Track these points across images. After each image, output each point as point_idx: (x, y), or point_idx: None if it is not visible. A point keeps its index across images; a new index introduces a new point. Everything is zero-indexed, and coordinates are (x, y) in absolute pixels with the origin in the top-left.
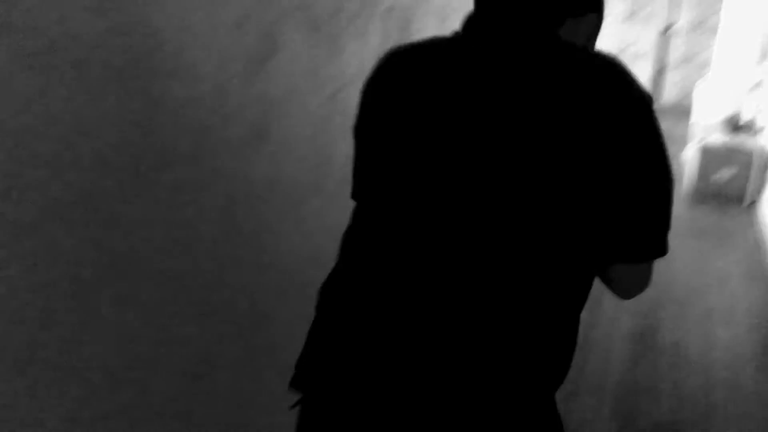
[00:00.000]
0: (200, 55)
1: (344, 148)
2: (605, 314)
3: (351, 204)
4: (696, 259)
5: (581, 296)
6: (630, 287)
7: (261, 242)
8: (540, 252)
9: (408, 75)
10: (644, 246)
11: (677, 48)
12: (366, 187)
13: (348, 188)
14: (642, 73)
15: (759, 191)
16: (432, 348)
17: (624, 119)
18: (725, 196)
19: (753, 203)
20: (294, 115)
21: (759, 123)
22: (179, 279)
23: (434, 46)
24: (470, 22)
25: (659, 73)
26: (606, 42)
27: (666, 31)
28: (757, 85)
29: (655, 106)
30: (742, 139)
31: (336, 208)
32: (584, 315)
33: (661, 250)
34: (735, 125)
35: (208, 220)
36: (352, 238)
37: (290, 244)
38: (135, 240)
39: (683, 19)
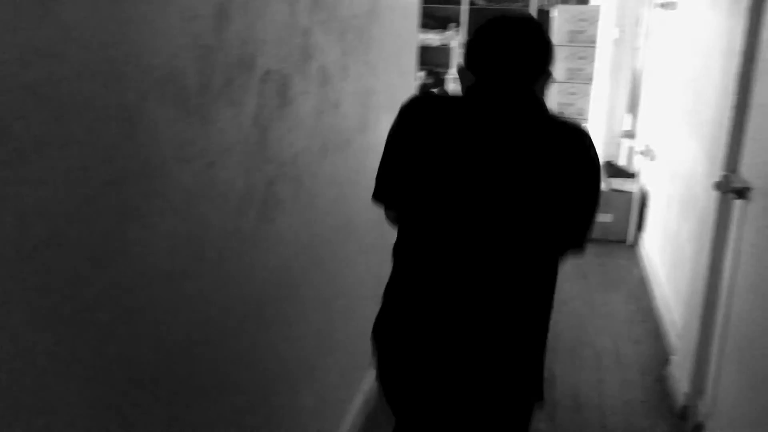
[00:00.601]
0: None
1: (219, 221)
2: None
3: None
4: (585, 302)
5: (552, 272)
6: (569, 259)
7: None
8: (525, 241)
9: (432, 117)
10: (582, 240)
11: (554, 97)
12: (388, 192)
13: (226, 265)
14: None
15: (639, 232)
16: (464, 302)
17: (580, 162)
18: (608, 237)
19: (634, 243)
20: (165, 192)
21: (634, 167)
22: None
23: (451, 99)
24: (477, 82)
25: None
26: None
27: None
28: (628, 132)
29: None
30: (621, 183)
31: (215, 288)
32: None
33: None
34: (613, 170)
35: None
36: (400, 246)
37: (169, 317)
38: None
39: (559, 70)
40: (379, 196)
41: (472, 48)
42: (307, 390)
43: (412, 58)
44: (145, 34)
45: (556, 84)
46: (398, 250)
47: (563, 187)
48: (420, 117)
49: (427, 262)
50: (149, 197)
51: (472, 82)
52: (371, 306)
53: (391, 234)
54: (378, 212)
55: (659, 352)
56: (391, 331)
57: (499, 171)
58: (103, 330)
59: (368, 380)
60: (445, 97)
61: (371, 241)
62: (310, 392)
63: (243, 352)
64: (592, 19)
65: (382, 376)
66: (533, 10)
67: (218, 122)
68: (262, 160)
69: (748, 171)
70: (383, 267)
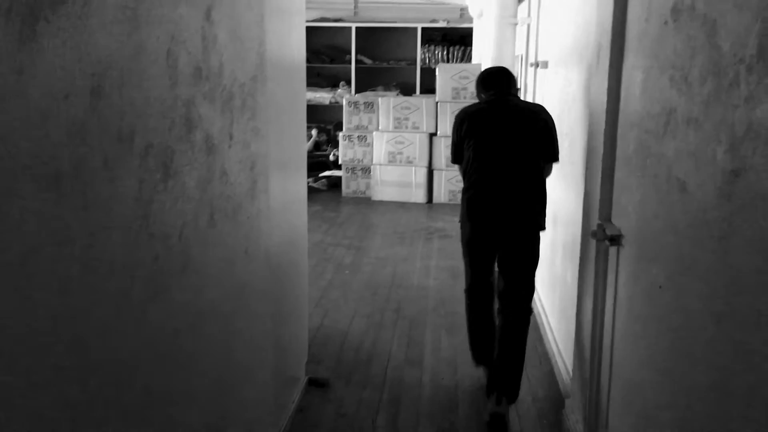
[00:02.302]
0: None
1: (101, 304)
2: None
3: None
4: None
5: (542, 175)
6: (549, 173)
7: None
8: (529, 161)
9: (475, 113)
10: (556, 154)
11: (442, 151)
12: (459, 155)
13: (109, 351)
14: (418, 176)
15: None
16: (504, 190)
17: (544, 118)
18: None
19: None
20: (40, 281)
21: None
22: None
23: (479, 104)
24: (490, 95)
25: (430, 174)
26: (378, 150)
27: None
28: None
29: (433, 204)
30: None
31: (100, 381)
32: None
33: (558, 157)
34: None
35: None
36: (469, 175)
37: None
38: None
39: (447, 126)
40: (454, 159)
41: (483, 80)
42: None
43: (301, 119)
44: (13, 114)
45: (444, 139)
46: (468, 175)
47: (540, 131)
48: (467, 115)
49: (484, 176)
50: (19, 290)
51: (485, 95)
52: (267, 375)
53: (288, 300)
54: (274, 274)
55: (555, 396)
56: (473, 207)
57: (510, 130)
58: None
59: None
60: (477, 104)
61: (264, 309)
62: None
63: None
64: (473, 76)
65: (470, 234)
66: (418, 69)
67: (96, 202)
68: (146, 236)
69: (618, 219)
70: (281, 331)
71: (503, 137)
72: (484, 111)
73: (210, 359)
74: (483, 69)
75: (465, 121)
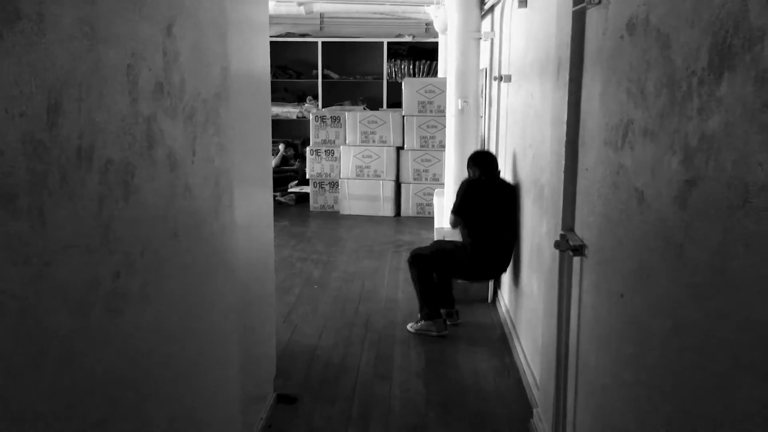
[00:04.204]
0: None
1: (60, 323)
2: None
3: None
4: (450, 364)
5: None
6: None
7: None
8: (509, 225)
9: (477, 186)
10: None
11: (410, 164)
12: (463, 214)
13: (68, 369)
14: (386, 189)
15: (497, 289)
16: (494, 247)
17: (516, 195)
18: (469, 297)
19: (494, 300)
20: None
21: None
22: None
23: (479, 179)
24: (482, 174)
25: (398, 187)
26: (346, 164)
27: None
28: None
29: (401, 217)
30: None
31: (57, 395)
32: None
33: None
34: None
35: None
36: (470, 232)
37: None
38: None
39: (412, 139)
40: (459, 213)
41: (476, 160)
42: None
43: (266, 134)
44: None
45: (411, 152)
46: (470, 232)
47: (513, 205)
48: (471, 185)
49: (481, 235)
50: None
51: (478, 170)
52: (234, 393)
53: (254, 316)
54: (240, 290)
55: (524, 406)
56: (473, 258)
57: (499, 201)
58: None
59: None
60: (478, 179)
61: (230, 326)
62: None
63: None
64: (439, 90)
65: (469, 261)
66: (384, 83)
67: (55, 219)
68: (107, 252)
69: (581, 230)
70: (248, 347)
71: (498, 206)
72: (484, 184)
73: (173, 379)
74: (474, 151)
75: (472, 188)
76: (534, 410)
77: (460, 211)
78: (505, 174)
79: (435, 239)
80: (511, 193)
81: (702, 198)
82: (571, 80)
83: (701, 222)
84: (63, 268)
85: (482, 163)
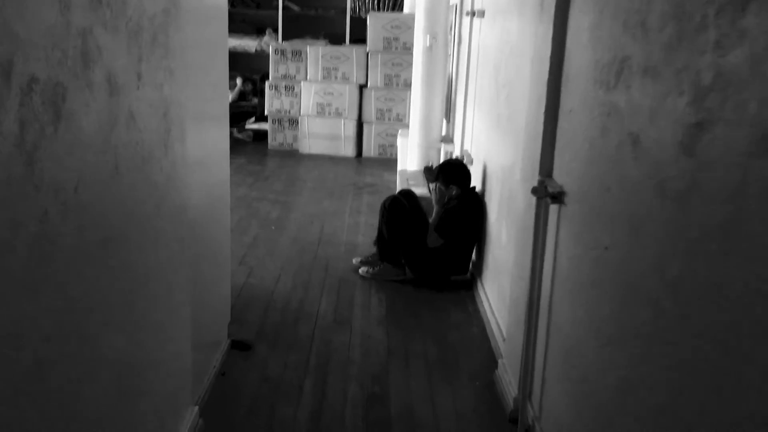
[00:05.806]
0: None
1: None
2: None
3: None
4: (412, 312)
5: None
6: None
7: None
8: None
9: (465, 207)
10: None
11: (373, 104)
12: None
13: None
14: (347, 129)
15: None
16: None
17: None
18: None
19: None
20: None
21: None
22: None
23: (464, 199)
24: (462, 191)
25: (360, 127)
26: (306, 101)
27: (362, 88)
28: (445, 137)
29: (362, 158)
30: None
31: None
32: None
33: None
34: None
35: None
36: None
37: None
38: None
39: (376, 76)
40: (444, 237)
41: (452, 175)
42: None
43: (223, 65)
44: None
45: (374, 90)
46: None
47: (482, 218)
48: (463, 211)
49: (453, 245)
50: None
51: (457, 188)
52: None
53: (208, 259)
54: (192, 232)
55: (488, 356)
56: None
57: (477, 217)
58: None
59: None
60: (460, 198)
61: (181, 269)
62: None
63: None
64: (406, 26)
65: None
66: (348, 17)
67: None
68: (32, 189)
69: (561, 176)
70: (201, 292)
71: (475, 220)
72: (467, 204)
73: (119, 326)
74: (444, 160)
75: (462, 214)
76: (499, 361)
77: (446, 236)
78: (476, 119)
79: (398, 184)
80: (481, 207)
81: (714, 144)
82: (557, 10)
83: (711, 171)
84: None
85: (460, 178)
